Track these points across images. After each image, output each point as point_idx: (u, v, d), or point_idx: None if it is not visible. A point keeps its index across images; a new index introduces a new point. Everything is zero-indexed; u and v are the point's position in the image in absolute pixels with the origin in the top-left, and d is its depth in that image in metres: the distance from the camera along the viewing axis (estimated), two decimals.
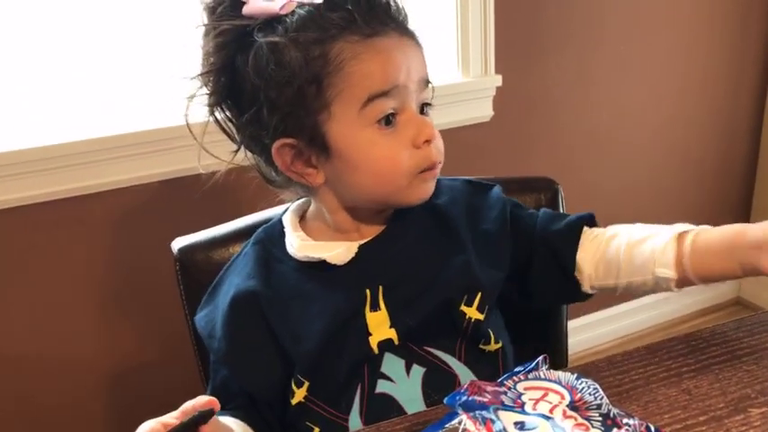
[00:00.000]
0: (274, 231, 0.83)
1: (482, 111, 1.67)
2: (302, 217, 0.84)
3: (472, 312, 0.75)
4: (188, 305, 0.88)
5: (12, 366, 1.38)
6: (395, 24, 0.73)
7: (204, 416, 0.62)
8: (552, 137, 1.80)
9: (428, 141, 0.73)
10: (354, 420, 0.74)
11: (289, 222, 0.81)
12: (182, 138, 1.34)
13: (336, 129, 0.72)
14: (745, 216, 2.15)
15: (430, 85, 0.76)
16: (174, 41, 1.36)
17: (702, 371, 0.68)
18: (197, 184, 1.38)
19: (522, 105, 1.73)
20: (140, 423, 0.64)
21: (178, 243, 0.91)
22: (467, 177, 0.87)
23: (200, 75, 0.75)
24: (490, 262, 0.78)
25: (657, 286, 0.75)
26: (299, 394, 0.75)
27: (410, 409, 0.73)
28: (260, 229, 0.84)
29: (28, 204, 1.31)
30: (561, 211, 0.96)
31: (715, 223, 0.81)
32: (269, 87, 0.71)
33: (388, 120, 0.72)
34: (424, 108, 0.76)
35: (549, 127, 1.79)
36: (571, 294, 0.82)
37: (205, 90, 0.76)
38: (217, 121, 0.78)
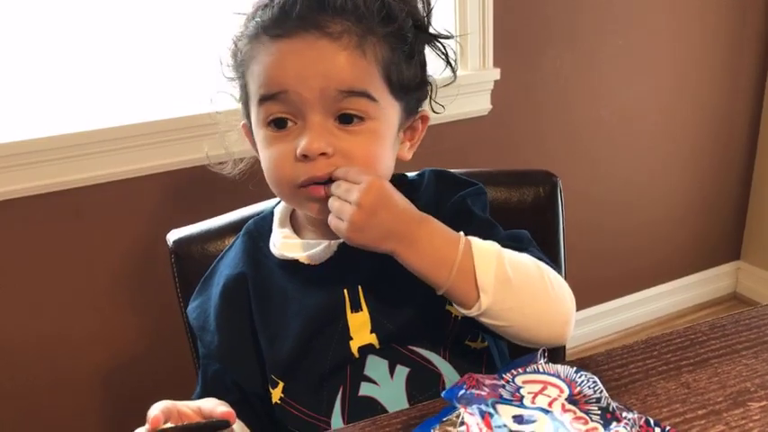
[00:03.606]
0: (264, 224, 0.82)
1: (480, 104, 1.66)
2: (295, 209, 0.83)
3: (457, 310, 0.73)
4: (183, 297, 0.87)
5: (6, 359, 1.37)
6: (320, 27, 0.66)
7: (219, 427, 0.62)
8: (550, 131, 1.79)
9: (305, 156, 0.68)
10: (337, 423, 0.73)
11: (278, 216, 0.81)
12: (177, 130, 1.36)
13: (253, 122, 0.74)
14: (742, 208, 2.15)
15: (359, 97, 0.68)
16: (170, 35, 1.36)
17: (701, 364, 0.68)
18: (195, 175, 1.39)
19: (520, 99, 1.72)
20: (136, 414, 0.64)
21: (173, 235, 0.90)
22: (448, 172, 0.83)
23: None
24: None
25: None
26: (275, 394, 0.75)
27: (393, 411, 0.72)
28: (251, 221, 0.84)
29: (22, 197, 1.30)
30: (560, 204, 0.95)
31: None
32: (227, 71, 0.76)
33: (279, 123, 0.70)
34: (353, 119, 0.69)
35: (547, 121, 1.78)
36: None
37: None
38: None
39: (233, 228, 0.89)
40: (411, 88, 0.74)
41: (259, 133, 0.72)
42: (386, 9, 0.69)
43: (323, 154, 0.68)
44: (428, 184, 0.80)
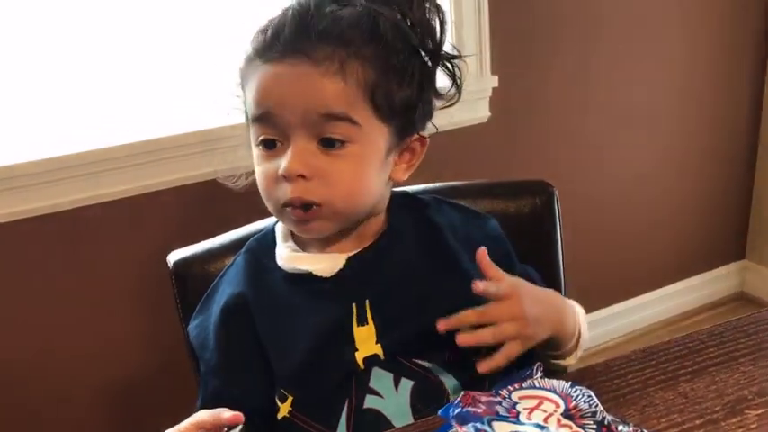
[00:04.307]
0: (266, 240, 0.82)
1: (478, 112, 1.67)
2: None
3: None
4: (184, 318, 0.88)
5: (9, 377, 1.39)
6: (305, 52, 0.68)
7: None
8: (549, 138, 1.80)
9: (285, 177, 0.70)
10: None
11: (280, 232, 0.81)
12: (175, 147, 1.37)
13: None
14: (746, 207, 2.15)
15: (341, 121, 0.68)
16: (176, 51, 1.37)
17: (699, 373, 0.68)
18: (195, 193, 1.40)
19: (518, 106, 1.72)
20: None
21: (174, 256, 0.91)
22: (456, 201, 0.85)
23: None
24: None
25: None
26: (284, 408, 0.75)
27: (398, 424, 0.72)
28: (252, 239, 0.84)
29: (27, 218, 1.32)
30: (557, 214, 0.96)
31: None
32: None
33: (268, 144, 0.72)
34: (335, 143, 0.69)
35: (546, 128, 1.78)
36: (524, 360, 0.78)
37: None
38: None
39: (233, 247, 0.89)
40: (402, 110, 0.72)
41: (254, 151, 0.74)
42: (372, 32, 0.69)
43: (301, 176, 0.69)
44: (441, 210, 0.81)
